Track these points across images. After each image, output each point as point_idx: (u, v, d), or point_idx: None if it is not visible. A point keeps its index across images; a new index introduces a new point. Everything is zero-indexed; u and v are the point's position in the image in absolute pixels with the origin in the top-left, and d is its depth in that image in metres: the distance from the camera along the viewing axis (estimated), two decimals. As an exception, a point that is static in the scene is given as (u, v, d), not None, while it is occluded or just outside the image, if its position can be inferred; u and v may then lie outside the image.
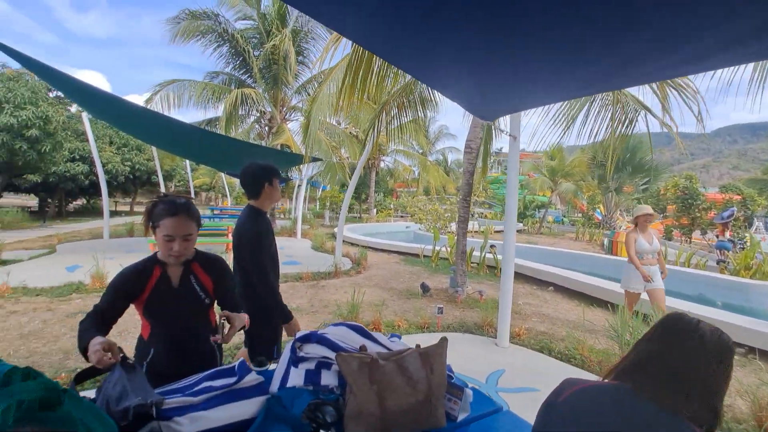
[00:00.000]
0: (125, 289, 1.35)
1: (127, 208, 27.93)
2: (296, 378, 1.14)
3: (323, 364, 1.17)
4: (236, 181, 36.79)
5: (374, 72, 4.37)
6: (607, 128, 4.79)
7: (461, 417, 1.14)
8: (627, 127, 4.68)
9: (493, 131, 7.35)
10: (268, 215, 2.26)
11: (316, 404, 1.01)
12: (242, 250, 2.02)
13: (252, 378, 1.12)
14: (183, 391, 1.07)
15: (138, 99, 13.36)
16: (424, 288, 6.01)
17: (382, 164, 26.72)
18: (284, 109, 14.65)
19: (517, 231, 20.50)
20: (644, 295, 4.24)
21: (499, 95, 2.93)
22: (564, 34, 1.45)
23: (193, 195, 21.04)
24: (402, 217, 27.47)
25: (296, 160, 8.99)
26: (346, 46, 4.94)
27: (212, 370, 1.19)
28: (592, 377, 2.44)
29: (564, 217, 30.19)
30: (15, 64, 14.84)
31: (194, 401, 0.99)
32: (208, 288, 1.47)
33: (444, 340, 1.15)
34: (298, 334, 1.25)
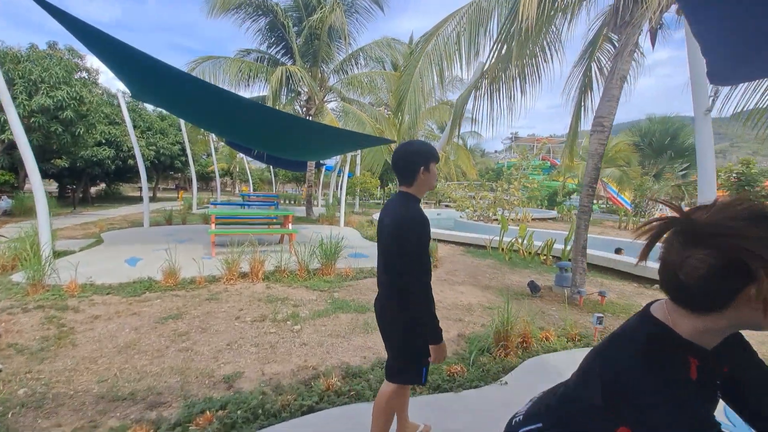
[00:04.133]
0: None
1: (150, 194, 27.49)
2: None
3: None
4: (255, 167, 35.73)
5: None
6: None
7: None
8: None
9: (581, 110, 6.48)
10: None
11: None
12: (404, 244, 1.60)
13: None
14: None
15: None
16: (534, 288, 5.30)
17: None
18: (321, 88, 13.82)
19: (551, 219, 19.69)
20: None
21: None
22: None
23: (218, 180, 20.41)
24: (426, 204, 26.63)
25: (386, 143, 8.52)
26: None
27: None
28: None
29: (593, 204, 29.11)
30: (42, 45, 14.03)
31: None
32: None
33: None
34: None
